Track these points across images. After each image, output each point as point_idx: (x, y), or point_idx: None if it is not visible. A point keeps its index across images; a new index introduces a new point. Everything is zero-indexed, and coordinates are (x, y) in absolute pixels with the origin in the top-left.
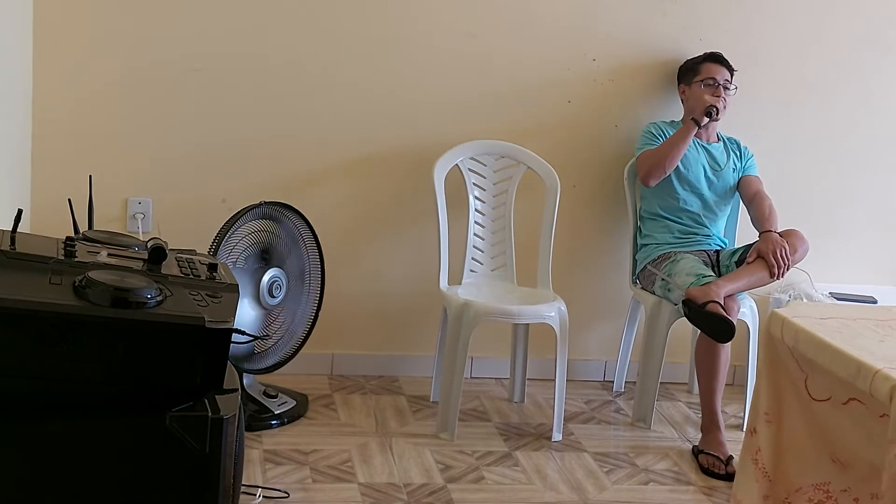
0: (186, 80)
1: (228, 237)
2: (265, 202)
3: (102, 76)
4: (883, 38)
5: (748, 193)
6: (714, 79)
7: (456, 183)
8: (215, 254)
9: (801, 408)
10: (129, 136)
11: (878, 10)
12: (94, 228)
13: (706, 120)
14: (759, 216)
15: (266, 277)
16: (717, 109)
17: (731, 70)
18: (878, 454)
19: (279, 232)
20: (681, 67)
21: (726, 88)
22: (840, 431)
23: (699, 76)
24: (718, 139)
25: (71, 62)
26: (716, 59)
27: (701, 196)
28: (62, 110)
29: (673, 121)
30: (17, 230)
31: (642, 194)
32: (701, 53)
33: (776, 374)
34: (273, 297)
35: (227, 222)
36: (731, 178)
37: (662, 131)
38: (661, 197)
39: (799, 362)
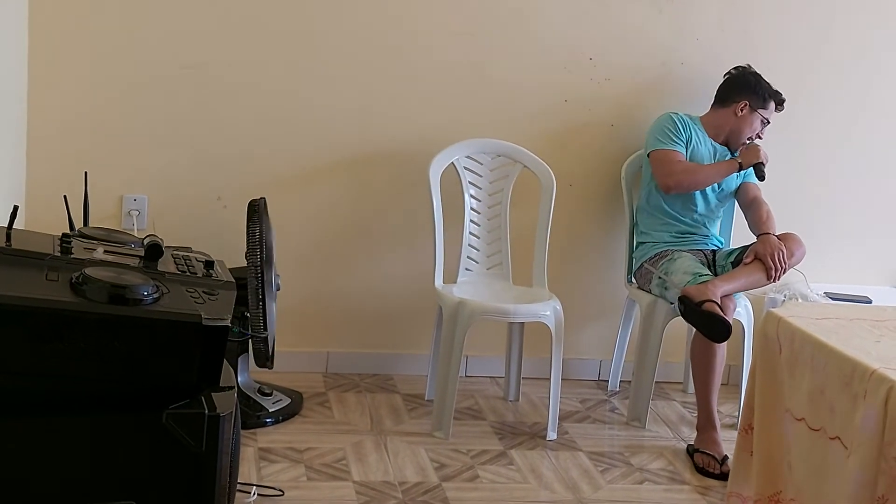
0: (181, 78)
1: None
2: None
3: (97, 73)
4: (880, 40)
5: (746, 199)
6: (768, 120)
7: (452, 181)
8: (262, 257)
9: (781, 412)
10: (124, 133)
11: (876, 12)
12: (90, 225)
13: (754, 174)
14: (758, 220)
15: (273, 271)
16: (764, 166)
17: (778, 112)
18: (820, 478)
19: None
20: (752, 79)
21: (766, 124)
22: (796, 444)
23: (764, 111)
24: None
25: (66, 60)
26: (782, 103)
27: (706, 197)
28: (57, 107)
29: (690, 114)
30: (13, 227)
31: (647, 188)
32: (777, 90)
33: (769, 373)
34: (279, 289)
35: (256, 224)
36: (734, 184)
37: (685, 125)
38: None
39: (785, 366)
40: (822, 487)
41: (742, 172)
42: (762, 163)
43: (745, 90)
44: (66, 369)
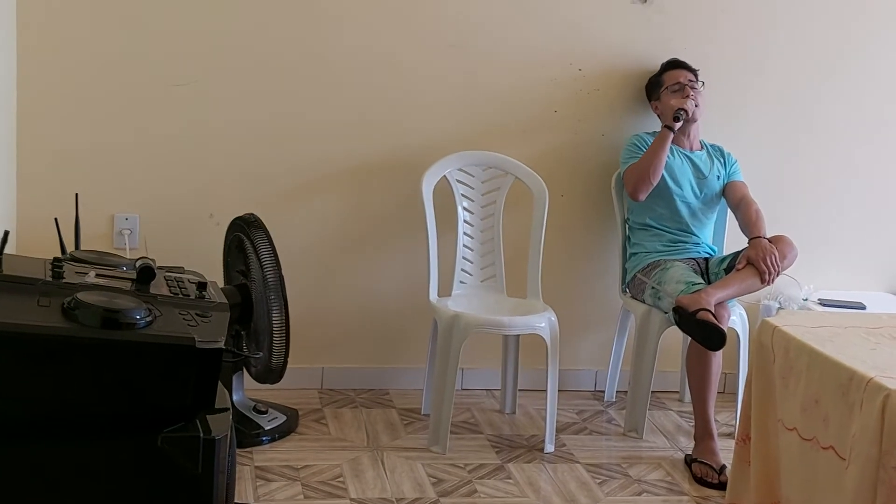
0: (171, 96)
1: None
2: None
3: (87, 93)
4: (870, 44)
5: (734, 199)
6: (678, 83)
7: (444, 194)
8: (278, 268)
9: (775, 422)
10: (114, 152)
11: (862, 16)
12: (81, 247)
13: (678, 124)
14: (747, 221)
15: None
16: (686, 111)
17: (692, 70)
18: (813, 488)
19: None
20: (646, 86)
21: (693, 88)
22: (787, 453)
23: (663, 86)
24: (702, 147)
25: (55, 79)
26: (674, 64)
27: (688, 205)
28: (47, 128)
29: (656, 131)
30: (4, 252)
31: (630, 205)
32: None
33: (765, 382)
34: None
35: (263, 238)
36: (717, 185)
37: (646, 143)
38: (650, 208)
39: (778, 376)
40: (817, 498)
41: (724, 174)
42: (680, 108)
43: (647, 98)
44: (60, 395)
